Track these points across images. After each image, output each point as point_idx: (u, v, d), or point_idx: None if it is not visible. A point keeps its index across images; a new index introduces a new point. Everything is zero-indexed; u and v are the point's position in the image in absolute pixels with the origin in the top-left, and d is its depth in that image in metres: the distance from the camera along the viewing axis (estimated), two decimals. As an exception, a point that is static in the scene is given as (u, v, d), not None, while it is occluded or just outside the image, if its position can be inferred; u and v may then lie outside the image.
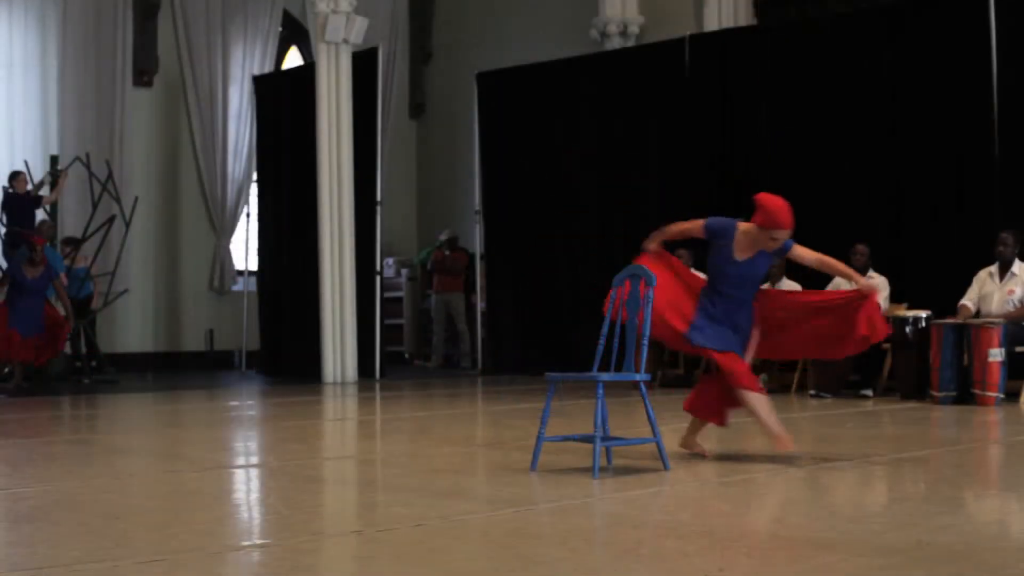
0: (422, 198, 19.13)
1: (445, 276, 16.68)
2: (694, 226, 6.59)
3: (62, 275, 12.95)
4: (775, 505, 5.26)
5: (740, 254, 6.35)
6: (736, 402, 6.35)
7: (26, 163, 14.36)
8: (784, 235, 6.36)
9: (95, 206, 14.59)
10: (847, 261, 11.44)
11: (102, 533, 4.53)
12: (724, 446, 7.95)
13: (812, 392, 11.05)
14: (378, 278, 14.28)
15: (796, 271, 11.94)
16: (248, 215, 16.48)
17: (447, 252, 16.74)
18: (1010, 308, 10.35)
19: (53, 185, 14.08)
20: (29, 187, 13.91)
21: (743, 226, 6.36)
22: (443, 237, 16.87)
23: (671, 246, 12.73)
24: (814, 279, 11.61)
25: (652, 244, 6.84)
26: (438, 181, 18.73)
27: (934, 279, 11.57)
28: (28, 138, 15.07)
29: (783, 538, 4.33)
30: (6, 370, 12.99)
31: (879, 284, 11.36)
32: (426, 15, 18.99)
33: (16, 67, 15.11)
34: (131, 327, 15.90)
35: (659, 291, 6.30)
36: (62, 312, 12.71)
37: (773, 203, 6.29)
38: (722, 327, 6.31)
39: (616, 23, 15.82)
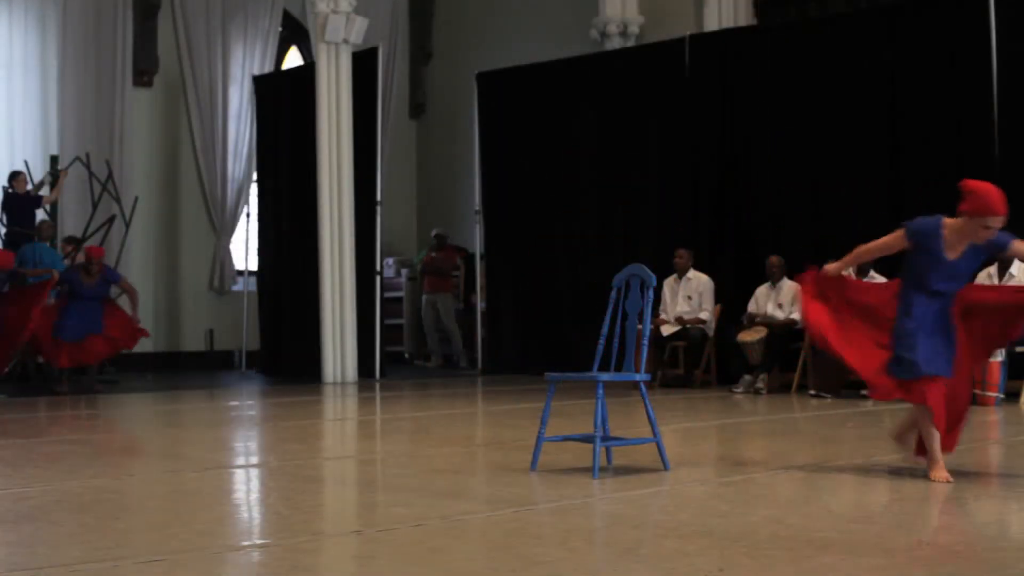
0: (422, 198, 19.12)
1: (432, 277, 16.70)
2: (893, 240, 5.85)
3: (122, 280, 12.90)
4: (775, 505, 5.26)
5: (950, 252, 5.70)
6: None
7: (26, 163, 14.37)
8: (998, 222, 5.68)
9: (95, 206, 14.59)
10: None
11: (102, 533, 4.53)
12: (724, 446, 7.96)
13: (812, 392, 11.06)
14: (378, 278, 14.27)
15: (796, 272, 11.94)
16: (248, 215, 16.47)
17: (434, 253, 16.75)
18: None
19: (53, 185, 14.08)
20: (29, 187, 13.92)
21: (949, 222, 5.73)
22: (432, 235, 16.95)
23: (679, 243, 12.78)
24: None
25: (833, 272, 6.11)
26: (438, 181, 18.73)
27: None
28: (28, 138, 15.06)
29: (783, 538, 4.32)
30: (6, 370, 12.98)
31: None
32: (426, 15, 18.99)
33: (16, 67, 15.10)
34: (131, 327, 15.87)
35: (837, 331, 5.88)
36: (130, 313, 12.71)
37: (983, 188, 5.69)
38: (931, 339, 5.65)
39: (616, 23, 15.81)
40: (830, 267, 6.14)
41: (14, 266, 12.26)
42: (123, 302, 12.97)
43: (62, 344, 12.02)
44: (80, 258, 14.01)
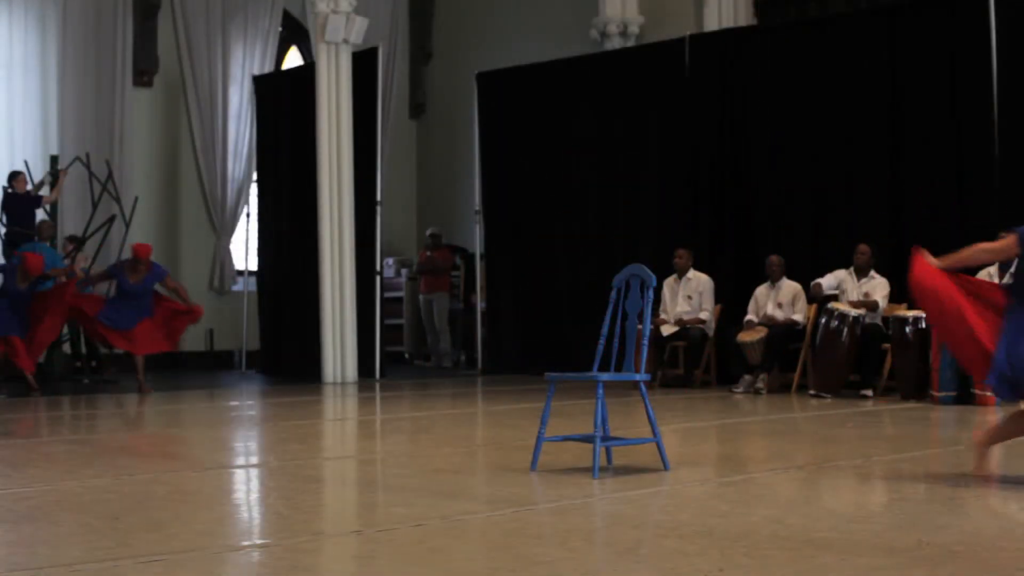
0: (422, 198, 19.12)
1: (428, 276, 16.71)
2: (1004, 247, 5.62)
3: (167, 278, 12.90)
4: (775, 505, 5.26)
5: None
6: None
7: (26, 163, 14.36)
8: None
9: (95, 206, 14.58)
10: (847, 261, 11.49)
11: (102, 533, 4.53)
12: (724, 446, 7.96)
13: (812, 392, 11.05)
14: (378, 278, 14.27)
15: (796, 272, 11.96)
16: (248, 215, 16.48)
17: (429, 252, 16.76)
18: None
19: (53, 185, 14.09)
20: (29, 187, 13.92)
21: None
22: (427, 234, 16.98)
23: (679, 243, 12.78)
24: (813, 279, 11.63)
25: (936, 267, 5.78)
26: (438, 181, 18.73)
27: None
28: (28, 138, 15.05)
29: (783, 538, 4.33)
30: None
31: (879, 284, 11.37)
32: (426, 15, 18.99)
33: (16, 67, 15.09)
34: (131, 327, 15.87)
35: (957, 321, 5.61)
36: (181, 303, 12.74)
37: None
38: None
39: (616, 23, 15.80)
40: (933, 261, 5.79)
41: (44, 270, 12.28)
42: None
43: (112, 331, 12.13)
44: (82, 260, 14.02)
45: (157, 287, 12.58)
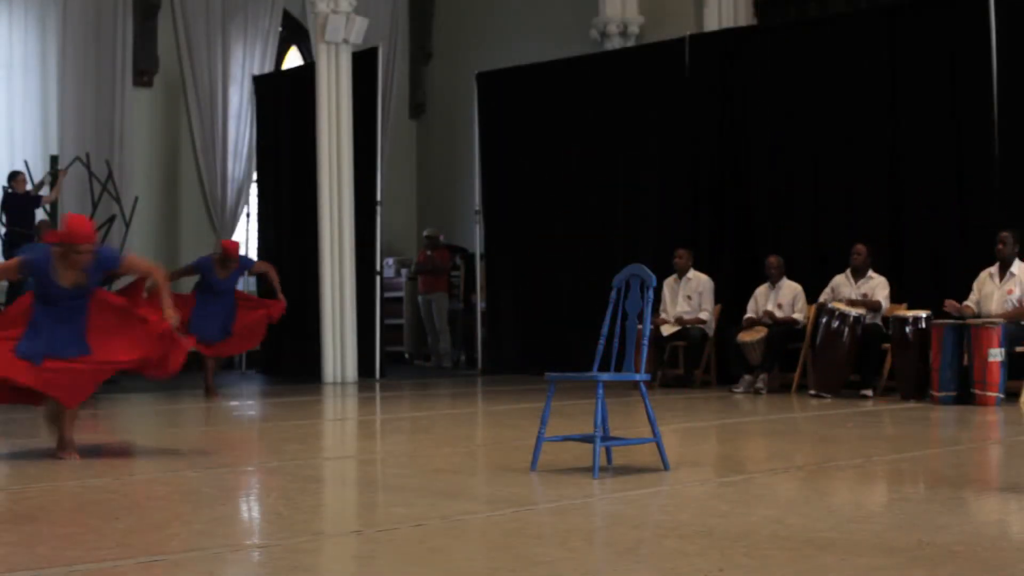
0: (422, 198, 19.12)
1: (427, 276, 16.72)
2: None
3: (255, 265, 12.58)
4: (775, 505, 5.26)
5: None
6: None
7: (26, 163, 14.37)
8: None
9: (95, 206, 14.58)
10: (847, 261, 11.50)
11: (102, 533, 4.53)
12: (724, 446, 7.96)
13: (812, 392, 11.05)
14: (378, 278, 14.27)
15: (796, 272, 11.96)
16: (248, 215, 16.48)
17: (428, 252, 16.77)
18: (1009, 308, 10.34)
19: (52, 185, 14.09)
20: (29, 187, 13.93)
21: None
22: (424, 235, 16.98)
23: (679, 243, 12.77)
24: (813, 279, 11.63)
25: None
26: (438, 181, 18.73)
27: (934, 279, 11.59)
28: (28, 138, 15.05)
29: (783, 538, 4.33)
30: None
31: (879, 284, 11.37)
32: (426, 15, 18.99)
33: (16, 67, 15.10)
34: (131, 327, 15.86)
35: None
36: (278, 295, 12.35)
37: None
38: None
39: (616, 23, 15.80)
40: None
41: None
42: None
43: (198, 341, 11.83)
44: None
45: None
